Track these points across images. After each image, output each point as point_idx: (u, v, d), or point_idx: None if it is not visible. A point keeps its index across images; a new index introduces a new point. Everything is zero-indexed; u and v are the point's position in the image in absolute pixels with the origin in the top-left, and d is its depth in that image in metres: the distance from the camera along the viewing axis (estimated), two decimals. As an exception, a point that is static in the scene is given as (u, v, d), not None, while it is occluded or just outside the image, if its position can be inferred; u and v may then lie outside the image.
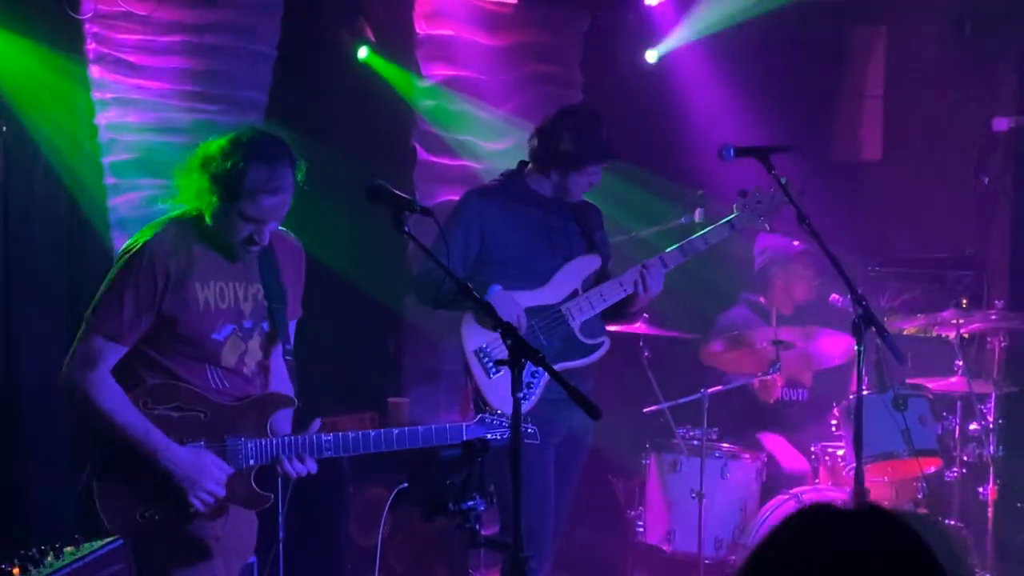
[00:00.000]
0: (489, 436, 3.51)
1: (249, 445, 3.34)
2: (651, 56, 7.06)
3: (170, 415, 3.28)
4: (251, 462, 3.35)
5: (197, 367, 3.34)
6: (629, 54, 7.12)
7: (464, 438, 3.48)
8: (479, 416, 3.60)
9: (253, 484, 3.39)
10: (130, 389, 3.29)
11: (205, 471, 3.27)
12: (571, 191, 4.47)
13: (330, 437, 3.40)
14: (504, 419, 3.58)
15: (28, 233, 5.13)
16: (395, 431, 3.45)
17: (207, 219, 3.28)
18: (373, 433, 3.43)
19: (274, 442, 3.36)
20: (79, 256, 5.33)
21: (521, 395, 4.08)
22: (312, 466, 3.41)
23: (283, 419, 3.47)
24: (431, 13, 6.48)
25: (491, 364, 4.30)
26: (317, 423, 3.44)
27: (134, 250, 3.29)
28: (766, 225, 4.61)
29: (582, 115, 4.49)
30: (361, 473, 5.46)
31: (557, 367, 4.24)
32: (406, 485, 4.71)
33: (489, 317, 3.23)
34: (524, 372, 3.01)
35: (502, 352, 4.13)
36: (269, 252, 3.40)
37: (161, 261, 3.26)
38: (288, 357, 3.45)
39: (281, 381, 3.49)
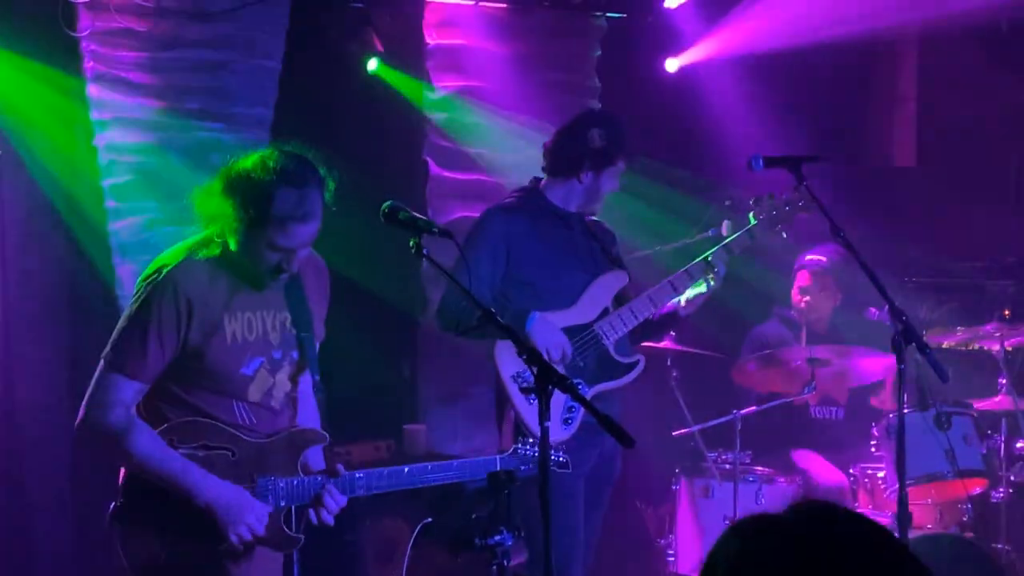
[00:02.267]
0: (523, 468, 3.39)
1: (280, 485, 3.15)
2: (671, 65, 6.84)
3: (195, 454, 3.09)
4: (282, 503, 3.16)
5: (223, 403, 3.14)
6: (648, 62, 6.91)
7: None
8: (513, 448, 3.48)
9: (283, 526, 3.19)
10: (153, 427, 3.10)
11: (248, 506, 3.09)
12: (601, 192, 4.37)
13: (362, 475, 3.24)
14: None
15: (26, 260, 5.04)
16: (429, 465, 3.34)
17: (232, 246, 3.08)
18: (407, 468, 3.31)
19: (307, 481, 3.19)
20: (79, 283, 5.22)
21: (567, 417, 3.85)
22: (343, 501, 3.23)
23: (314, 456, 3.29)
24: (441, 22, 6.31)
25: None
26: (340, 467, 3.25)
27: (156, 281, 3.07)
28: (783, 234, 4.47)
29: (602, 114, 4.85)
30: (377, 505, 5.28)
31: (597, 388, 4.21)
32: (430, 520, 4.59)
33: (514, 343, 3.09)
34: (565, 397, 2.90)
35: (539, 377, 3.97)
36: (295, 274, 3.20)
37: (184, 291, 3.06)
38: (319, 394, 3.30)
39: (310, 415, 3.32)
